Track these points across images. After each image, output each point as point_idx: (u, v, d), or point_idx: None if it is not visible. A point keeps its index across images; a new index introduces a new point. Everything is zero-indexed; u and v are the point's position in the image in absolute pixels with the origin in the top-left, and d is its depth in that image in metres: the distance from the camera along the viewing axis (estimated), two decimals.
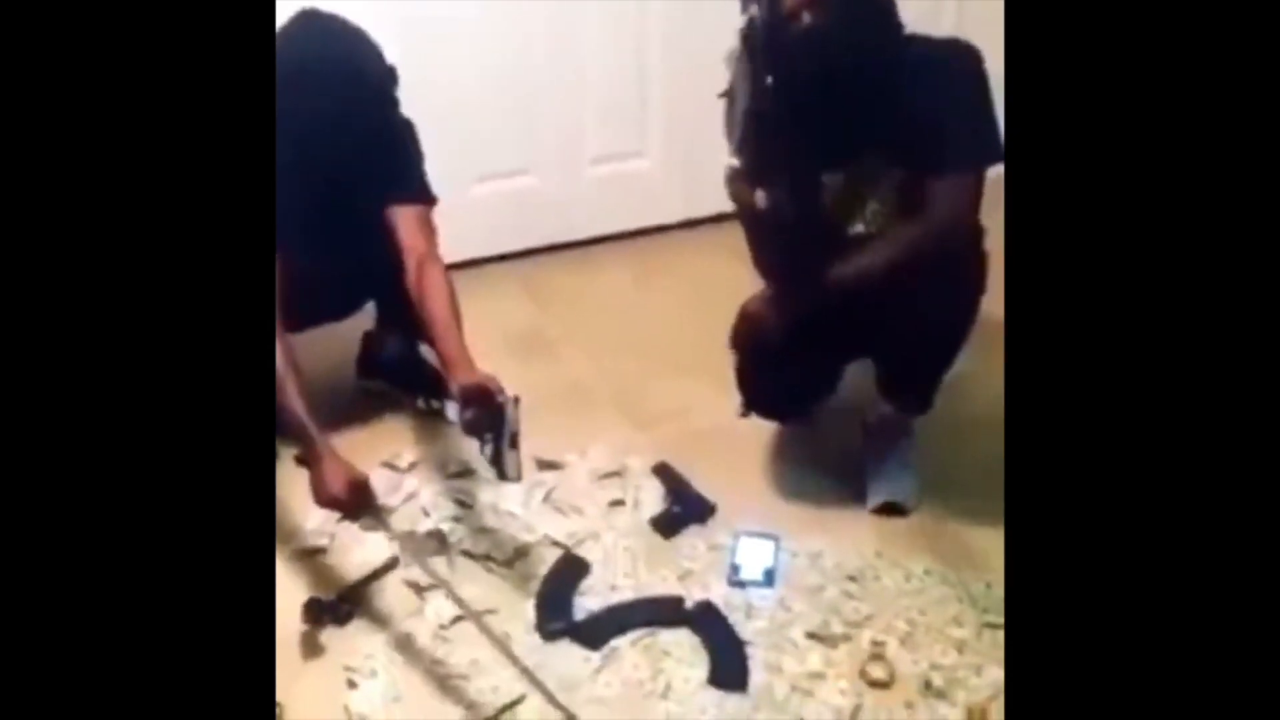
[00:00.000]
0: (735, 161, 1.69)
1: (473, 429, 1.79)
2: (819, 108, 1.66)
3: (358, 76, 1.93)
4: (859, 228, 1.82)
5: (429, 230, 2.02)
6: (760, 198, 1.71)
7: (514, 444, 1.77)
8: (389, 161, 2.02)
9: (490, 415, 1.75)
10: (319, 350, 2.19)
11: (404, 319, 2.08)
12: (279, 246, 1.85)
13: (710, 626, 1.77)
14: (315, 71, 1.90)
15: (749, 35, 1.61)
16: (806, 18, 1.64)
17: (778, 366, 1.92)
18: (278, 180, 1.85)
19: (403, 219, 2.00)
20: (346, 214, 2.01)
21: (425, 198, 2.06)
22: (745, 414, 2.01)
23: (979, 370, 1.95)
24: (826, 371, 2.05)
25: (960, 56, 1.72)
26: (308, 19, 1.93)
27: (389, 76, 1.98)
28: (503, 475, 1.79)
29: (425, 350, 2.17)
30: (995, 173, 1.65)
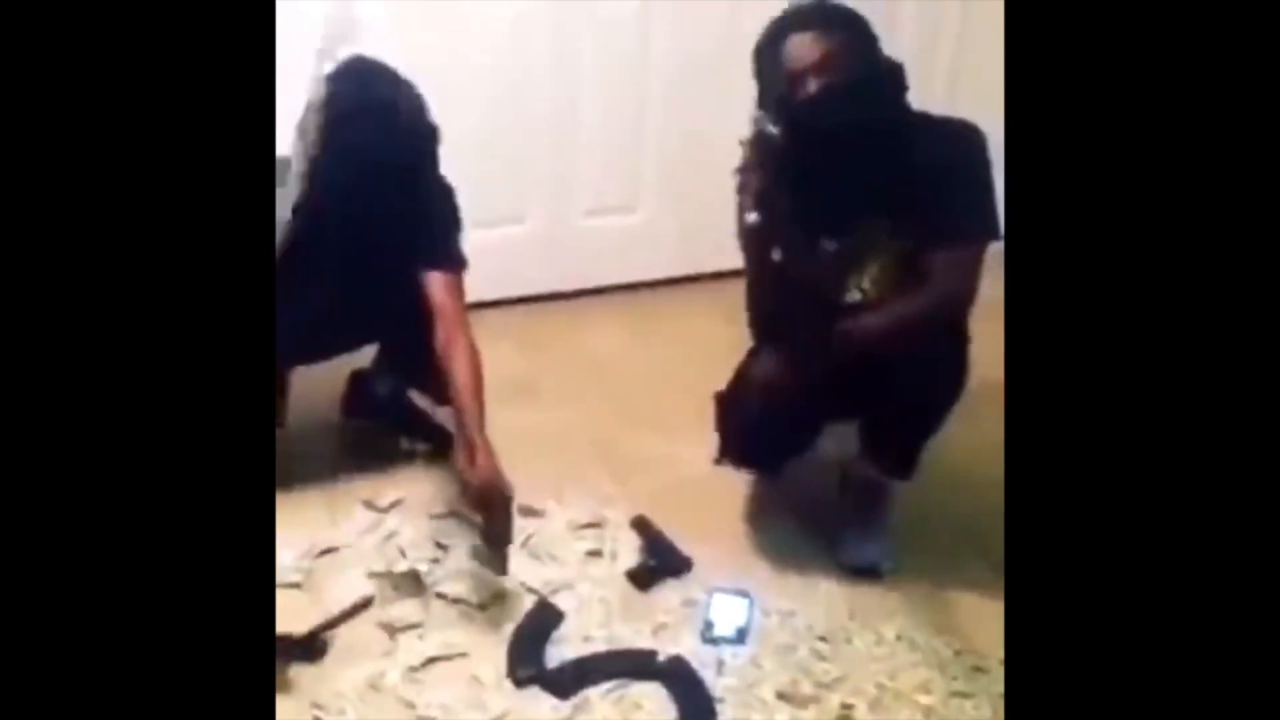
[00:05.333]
0: (755, 216, 1.71)
1: (490, 539, 1.88)
2: (826, 170, 1.70)
3: (404, 128, 1.97)
4: (855, 294, 1.86)
5: (459, 295, 2.05)
6: (775, 254, 1.74)
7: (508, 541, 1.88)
8: (427, 222, 2.04)
9: (501, 522, 1.85)
10: (299, 390, 2.22)
11: (405, 365, 2.13)
12: (301, 280, 1.89)
13: (681, 682, 1.78)
14: (363, 116, 1.93)
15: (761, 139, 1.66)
16: (811, 84, 1.70)
17: (762, 422, 1.93)
18: (313, 217, 1.92)
19: (434, 282, 2.03)
20: (374, 259, 2.01)
21: (459, 264, 2.08)
22: (719, 462, 2.03)
23: (956, 433, 1.97)
24: (809, 429, 2.06)
25: (965, 135, 1.80)
26: (357, 66, 1.97)
27: (432, 135, 2.02)
28: (498, 571, 1.90)
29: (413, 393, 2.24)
30: (994, 249, 1.72)
